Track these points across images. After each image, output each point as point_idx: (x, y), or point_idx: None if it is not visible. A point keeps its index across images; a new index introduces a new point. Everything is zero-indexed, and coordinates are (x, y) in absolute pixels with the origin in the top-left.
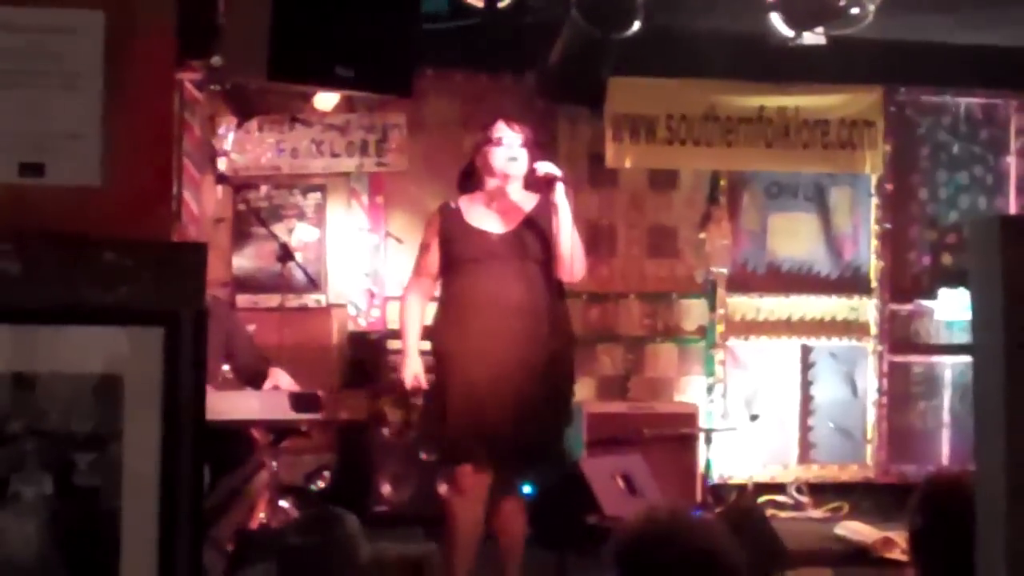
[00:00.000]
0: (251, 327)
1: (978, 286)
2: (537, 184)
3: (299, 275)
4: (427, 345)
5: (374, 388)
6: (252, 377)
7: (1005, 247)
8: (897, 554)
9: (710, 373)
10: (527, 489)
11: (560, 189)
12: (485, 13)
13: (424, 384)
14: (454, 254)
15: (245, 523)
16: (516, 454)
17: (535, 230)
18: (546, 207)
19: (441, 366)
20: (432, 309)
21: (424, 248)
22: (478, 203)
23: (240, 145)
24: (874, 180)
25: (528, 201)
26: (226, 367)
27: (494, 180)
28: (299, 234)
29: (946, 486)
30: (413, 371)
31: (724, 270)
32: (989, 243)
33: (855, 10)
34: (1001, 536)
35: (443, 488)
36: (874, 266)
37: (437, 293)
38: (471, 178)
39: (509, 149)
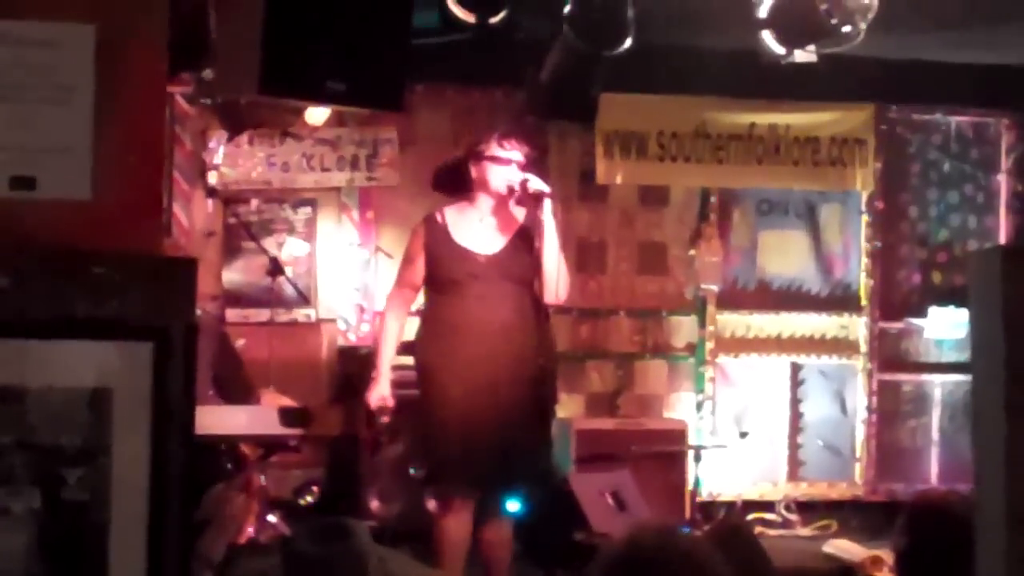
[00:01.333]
0: (240, 341)
1: (978, 315)
2: (525, 200)
3: (289, 290)
4: (403, 360)
5: (364, 403)
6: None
7: (1006, 277)
8: (885, 572)
9: (700, 390)
10: (515, 506)
11: (548, 206)
12: (476, 29)
13: (390, 404)
14: (439, 272)
15: (234, 538)
16: (501, 471)
17: (522, 250)
18: (534, 225)
19: (425, 382)
20: (414, 324)
21: (408, 260)
22: (466, 217)
23: (231, 159)
24: (864, 198)
25: (514, 222)
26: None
27: (487, 197)
28: (289, 248)
29: (932, 507)
30: (380, 393)
31: (714, 287)
32: (990, 273)
33: (846, 28)
34: (1001, 564)
35: (431, 504)
36: (864, 284)
37: (420, 307)
38: (455, 180)
39: (509, 170)
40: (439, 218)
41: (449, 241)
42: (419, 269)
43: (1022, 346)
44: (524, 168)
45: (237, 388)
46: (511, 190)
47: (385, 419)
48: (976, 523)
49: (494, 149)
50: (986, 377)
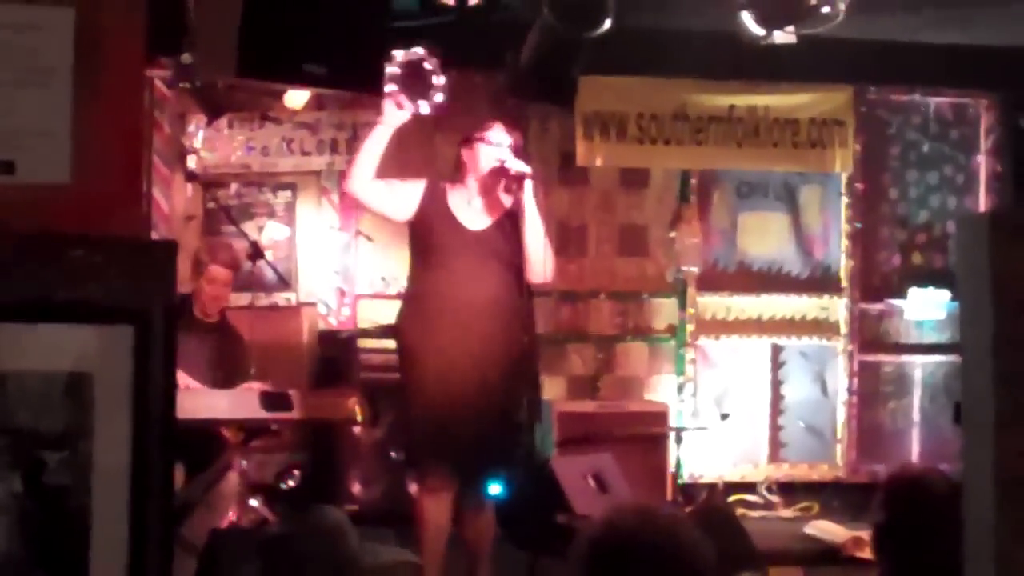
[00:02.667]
0: None
1: (966, 283)
2: (507, 181)
3: (269, 273)
4: (386, 344)
5: (345, 386)
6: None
7: (993, 244)
8: (867, 553)
9: (680, 372)
10: (497, 489)
11: (529, 187)
12: (456, 11)
13: None
14: (429, 236)
15: (215, 522)
16: (481, 452)
17: (508, 230)
18: (518, 208)
19: (406, 362)
20: (397, 306)
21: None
22: (459, 194)
23: (210, 143)
24: (844, 179)
25: (501, 205)
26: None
27: (475, 180)
28: (269, 232)
29: (909, 483)
30: None
31: (694, 269)
32: (978, 240)
33: (826, 9)
34: (989, 535)
35: (413, 487)
36: (844, 265)
37: (402, 289)
38: (455, 169)
39: (499, 150)
40: (440, 184)
41: (444, 206)
42: (413, 195)
43: (1010, 314)
44: (513, 151)
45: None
46: (499, 171)
47: None
48: (964, 493)
49: (483, 132)
50: (974, 345)
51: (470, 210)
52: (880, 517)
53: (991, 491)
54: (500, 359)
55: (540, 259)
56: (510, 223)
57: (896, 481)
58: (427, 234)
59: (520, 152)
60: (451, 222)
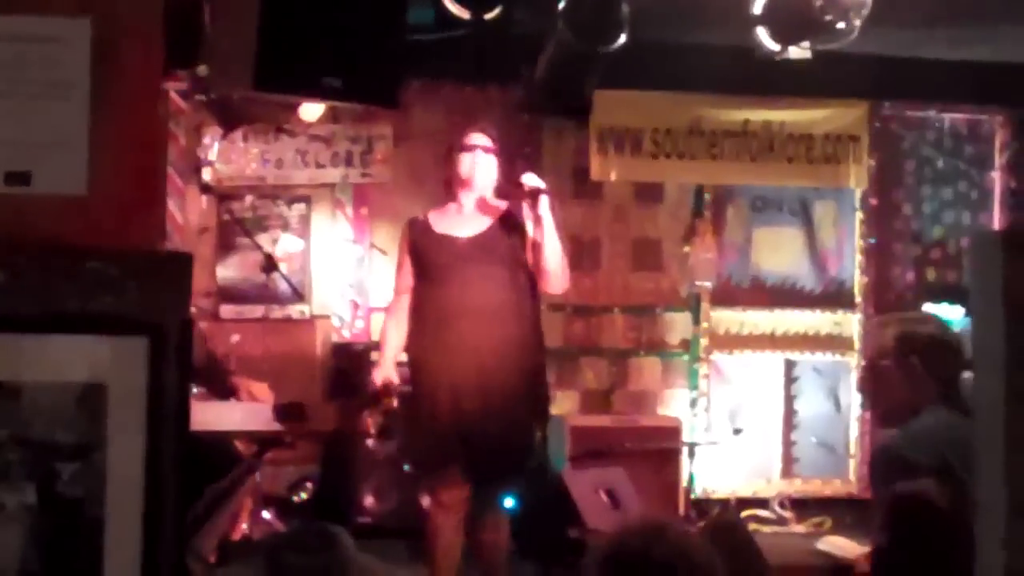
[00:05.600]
0: (235, 337)
1: (979, 301)
2: (521, 196)
3: (283, 286)
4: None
5: (358, 399)
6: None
7: (1007, 261)
8: None
9: (694, 387)
10: (510, 502)
11: (544, 201)
12: (471, 25)
13: (396, 381)
14: (423, 262)
15: (228, 533)
16: (492, 461)
17: (504, 235)
18: (518, 213)
19: (415, 375)
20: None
21: (398, 266)
22: (447, 212)
23: (225, 155)
24: (858, 195)
25: (496, 209)
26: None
27: (464, 190)
28: (283, 245)
29: (911, 503)
30: (384, 373)
31: (708, 284)
32: (991, 257)
33: (840, 25)
34: (1001, 550)
35: (425, 500)
36: (858, 281)
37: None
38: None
39: (475, 155)
40: (421, 217)
41: (430, 232)
42: (407, 271)
43: (1022, 331)
44: (493, 153)
45: (215, 381)
46: (493, 188)
47: (391, 402)
48: (977, 510)
49: (465, 138)
50: (986, 362)
51: (460, 220)
52: (882, 539)
53: (1004, 508)
54: (502, 360)
55: (558, 271)
56: (508, 225)
57: (899, 502)
58: (420, 260)
59: (502, 155)
60: (439, 239)
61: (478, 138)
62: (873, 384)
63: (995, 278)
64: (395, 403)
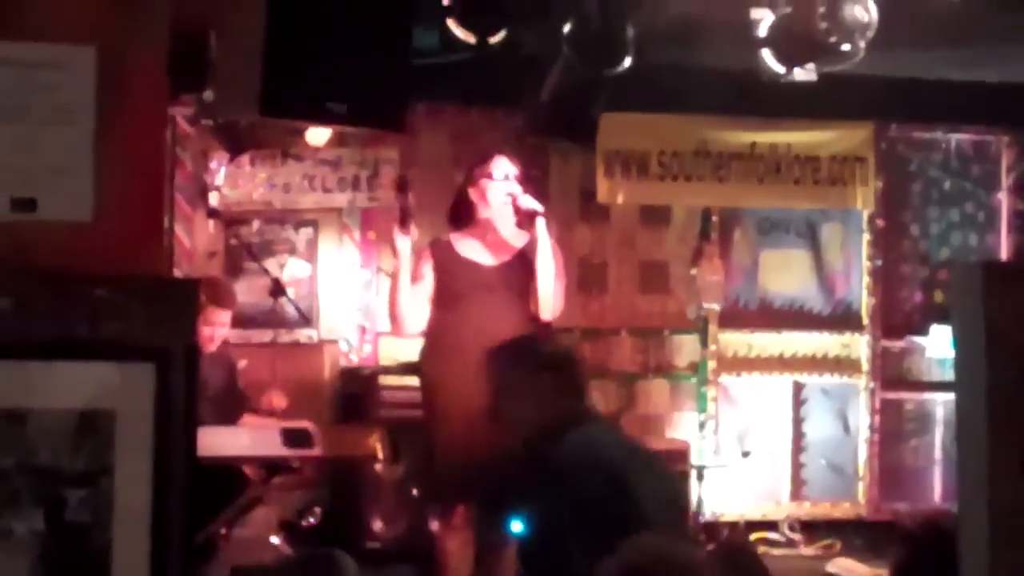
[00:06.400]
0: (242, 362)
1: (960, 330)
2: (520, 219)
3: (291, 310)
4: (407, 381)
5: (366, 423)
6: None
7: (987, 291)
8: None
9: (702, 409)
10: (519, 526)
11: (541, 224)
12: (477, 49)
13: None
14: (446, 285)
15: (236, 559)
16: (502, 487)
17: (526, 265)
18: (531, 245)
19: (429, 399)
20: (419, 343)
21: (417, 275)
22: (470, 237)
23: (232, 180)
24: (865, 216)
25: (520, 235)
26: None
27: (488, 213)
28: (291, 269)
29: (930, 526)
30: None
31: (716, 306)
32: (971, 287)
33: (846, 47)
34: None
35: (434, 524)
36: (866, 303)
37: (424, 327)
38: (462, 211)
39: (508, 184)
40: (444, 239)
41: (455, 255)
42: (426, 285)
43: (1004, 363)
44: (519, 181)
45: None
46: (512, 207)
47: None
48: (960, 538)
49: (493, 166)
50: (968, 393)
51: (484, 248)
52: (901, 558)
53: (986, 536)
54: None
55: (548, 296)
56: (524, 262)
57: (917, 522)
58: (443, 283)
59: (529, 184)
60: (464, 265)
61: (504, 165)
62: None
63: (975, 308)
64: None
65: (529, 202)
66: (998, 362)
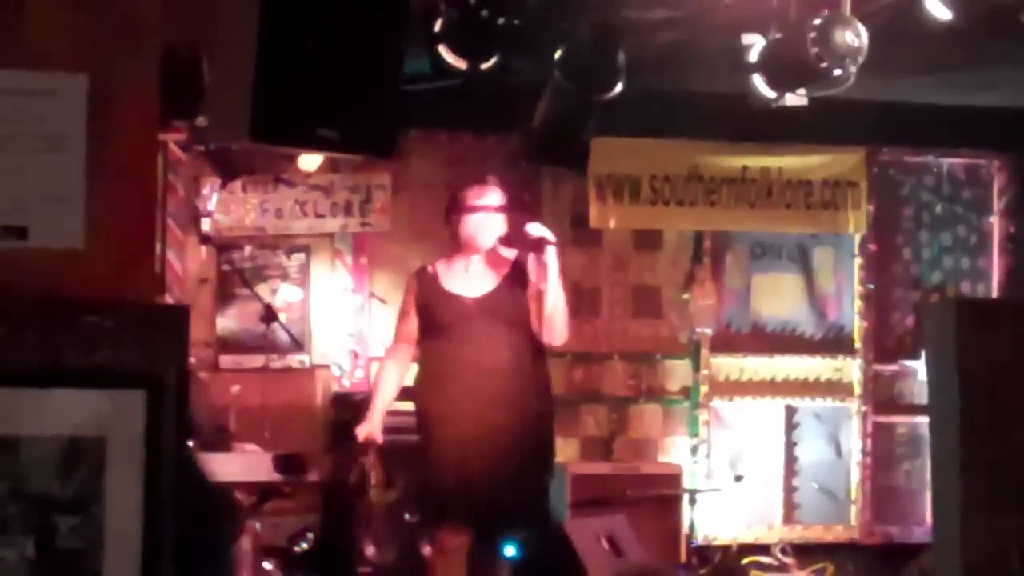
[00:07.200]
0: (235, 388)
1: (934, 366)
2: (528, 246)
3: (283, 336)
4: (401, 406)
5: (358, 449)
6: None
7: (960, 329)
8: None
9: (694, 433)
10: (511, 551)
11: (552, 252)
12: (468, 75)
13: (378, 440)
14: (431, 319)
15: None
16: (497, 515)
17: (514, 290)
18: (524, 268)
19: (423, 427)
20: (415, 370)
21: (403, 314)
22: (455, 266)
23: (224, 205)
24: (857, 240)
25: (505, 262)
26: None
27: (471, 246)
28: (283, 295)
29: None
30: (369, 428)
31: (708, 330)
32: (945, 325)
33: (837, 71)
34: None
35: (427, 549)
36: (858, 326)
37: (417, 356)
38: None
39: (481, 218)
40: (429, 269)
41: (439, 289)
42: (412, 321)
43: (976, 396)
44: (502, 211)
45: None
46: (499, 239)
47: (370, 459)
48: (934, 568)
49: (469, 199)
50: (942, 426)
51: (468, 278)
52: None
53: (959, 570)
54: (511, 419)
55: (559, 322)
56: (516, 281)
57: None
58: (427, 316)
59: (520, 209)
60: (448, 299)
61: (485, 198)
62: None
63: (949, 344)
64: (372, 460)
65: (539, 230)
66: (970, 394)
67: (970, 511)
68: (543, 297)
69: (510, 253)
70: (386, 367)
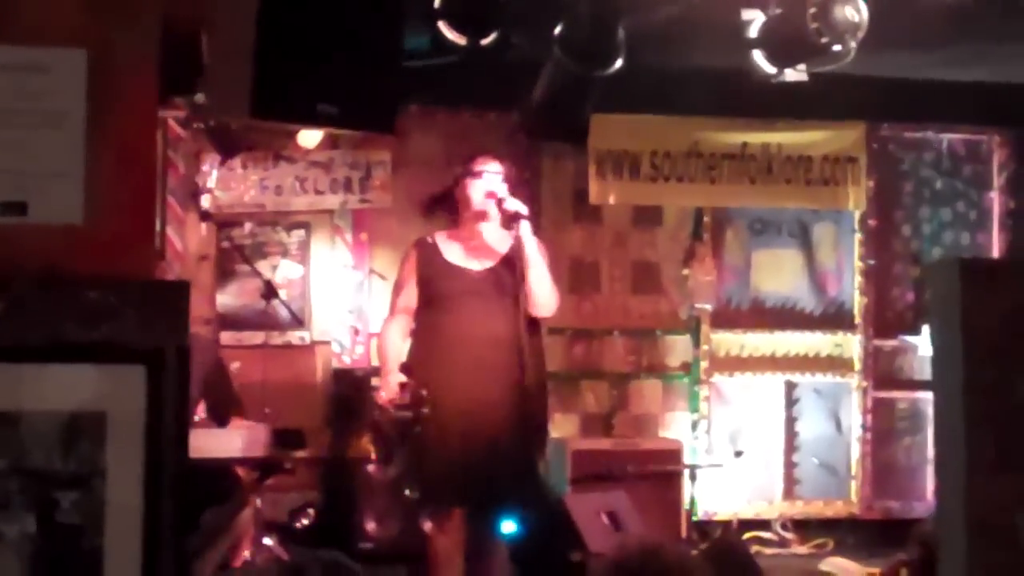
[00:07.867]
0: (235, 364)
1: (938, 327)
2: (505, 220)
3: (283, 312)
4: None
5: (359, 424)
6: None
7: (965, 289)
8: None
9: (694, 409)
10: (511, 526)
11: (525, 226)
12: (468, 51)
13: (401, 396)
14: (431, 291)
15: (229, 561)
16: (492, 488)
17: (512, 267)
18: (516, 246)
19: (420, 401)
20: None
21: (399, 285)
22: (456, 239)
23: (224, 182)
24: (857, 216)
25: (505, 238)
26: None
27: (474, 217)
28: (283, 271)
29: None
30: (390, 392)
31: (708, 306)
32: (949, 285)
33: (837, 47)
34: (963, 572)
35: (426, 524)
36: (858, 302)
37: (413, 328)
38: (443, 207)
39: (489, 183)
40: (430, 240)
41: (441, 260)
42: (411, 292)
43: (980, 358)
44: (507, 181)
45: (226, 408)
46: (495, 203)
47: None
48: (938, 535)
49: (477, 164)
50: (946, 387)
51: (470, 251)
52: (914, 554)
53: (963, 533)
54: (507, 393)
55: (543, 293)
56: (511, 265)
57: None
58: (429, 286)
59: (516, 184)
60: (450, 270)
61: (489, 164)
62: None
63: (953, 305)
64: (425, 409)
65: (514, 204)
66: (974, 356)
67: (975, 471)
68: (524, 272)
69: (506, 243)
70: (388, 332)
